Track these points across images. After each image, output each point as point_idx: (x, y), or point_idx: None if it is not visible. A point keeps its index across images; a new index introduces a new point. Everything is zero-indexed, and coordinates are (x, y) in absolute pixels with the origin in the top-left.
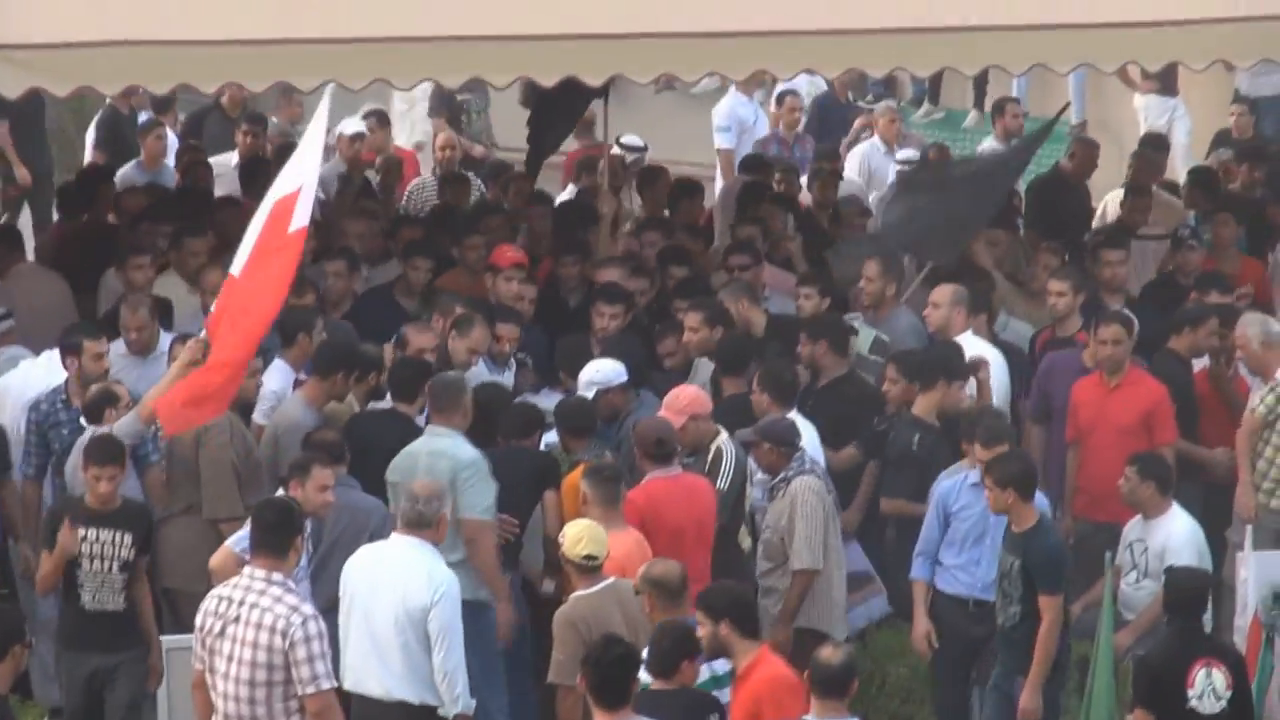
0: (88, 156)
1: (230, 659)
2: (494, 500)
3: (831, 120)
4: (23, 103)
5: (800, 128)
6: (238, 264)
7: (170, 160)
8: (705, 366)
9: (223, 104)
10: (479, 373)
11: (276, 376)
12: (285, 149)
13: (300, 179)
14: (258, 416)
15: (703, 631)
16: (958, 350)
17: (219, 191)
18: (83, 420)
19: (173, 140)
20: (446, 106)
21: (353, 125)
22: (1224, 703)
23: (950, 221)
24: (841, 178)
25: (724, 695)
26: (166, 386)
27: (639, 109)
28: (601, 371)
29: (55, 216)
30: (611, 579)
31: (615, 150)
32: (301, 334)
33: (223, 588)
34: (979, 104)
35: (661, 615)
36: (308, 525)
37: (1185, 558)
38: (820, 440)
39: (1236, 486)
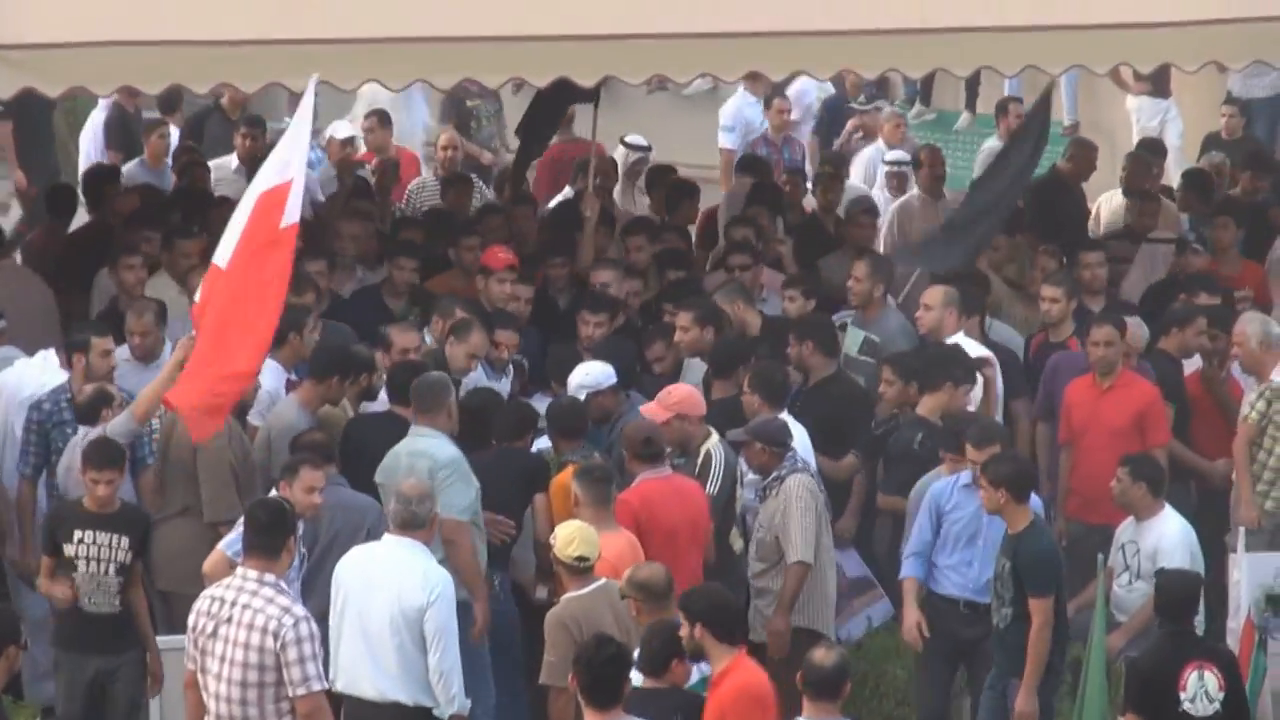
0: (83, 159)
1: (222, 659)
2: (473, 500)
3: (840, 122)
4: (29, 106)
5: (790, 130)
6: (223, 255)
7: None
8: (696, 369)
9: (223, 105)
10: (477, 378)
11: (269, 376)
12: None
13: (290, 171)
14: (252, 417)
15: (683, 633)
16: (963, 354)
17: (218, 194)
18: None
19: (176, 140)
20: (455, 112)
21: (344, 129)
22: (1217, 705)
23: (965, 227)
24: (843, 181)
25: None
26: (161, 386)
27: (630, 110)
28: (591, 375)
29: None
30: (603, 580)
31: (620, 149)
32: (292, 333)
33: (215, 588)
34: (971, 105)
35: (648, 618)
36: (300, 526)
37: (1177, 559)
38: (810, 442)
39: (1232, 491)
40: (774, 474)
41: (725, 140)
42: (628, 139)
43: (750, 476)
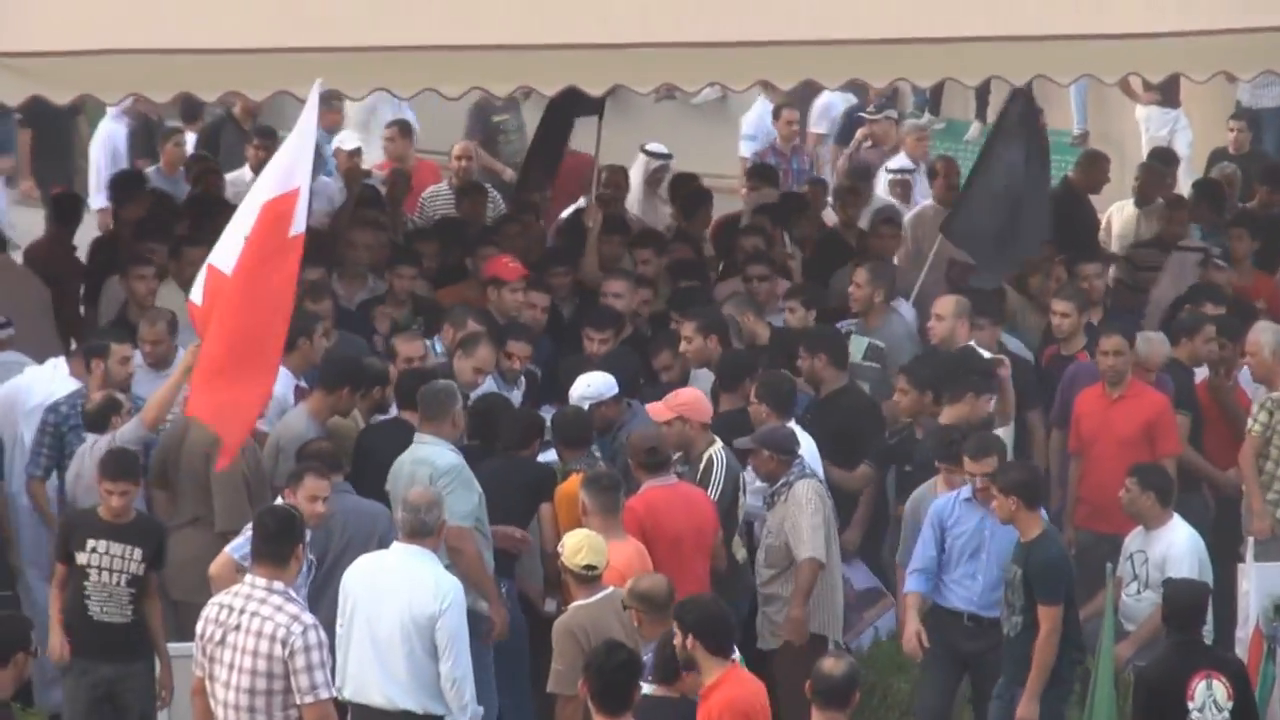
0: (93, 168)
1: (230, 667)
2: (475, 506)
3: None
4: (52, 115)
5: (799, 140)
6: (225, 259)
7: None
8: (704, 379)
9: (235, 115)
10: (487, 389)
11: (278, 382)
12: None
13: (295, 179)
14: (261, 423)
15: (675, 642)
16: (976, 358)
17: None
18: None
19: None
20: (482, 128)
21: (351, 139)
22: (1225, 714)
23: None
24: (861, 194)
25: None
26: (169, 392)
27: (639, 119)
28: (593, 386)
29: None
30: (610, 588)
31: (641, 158)
32: (303, 339)
33: (224, 595)
34: (981, 115)
35: (650, 628)
36: (308, 534)
37: (1185, 569)
38: (818, 451)
39: (1242, 501)
40: (782, 480)
41: (747, 149)
42: (649, 147)
43: (757, 485)
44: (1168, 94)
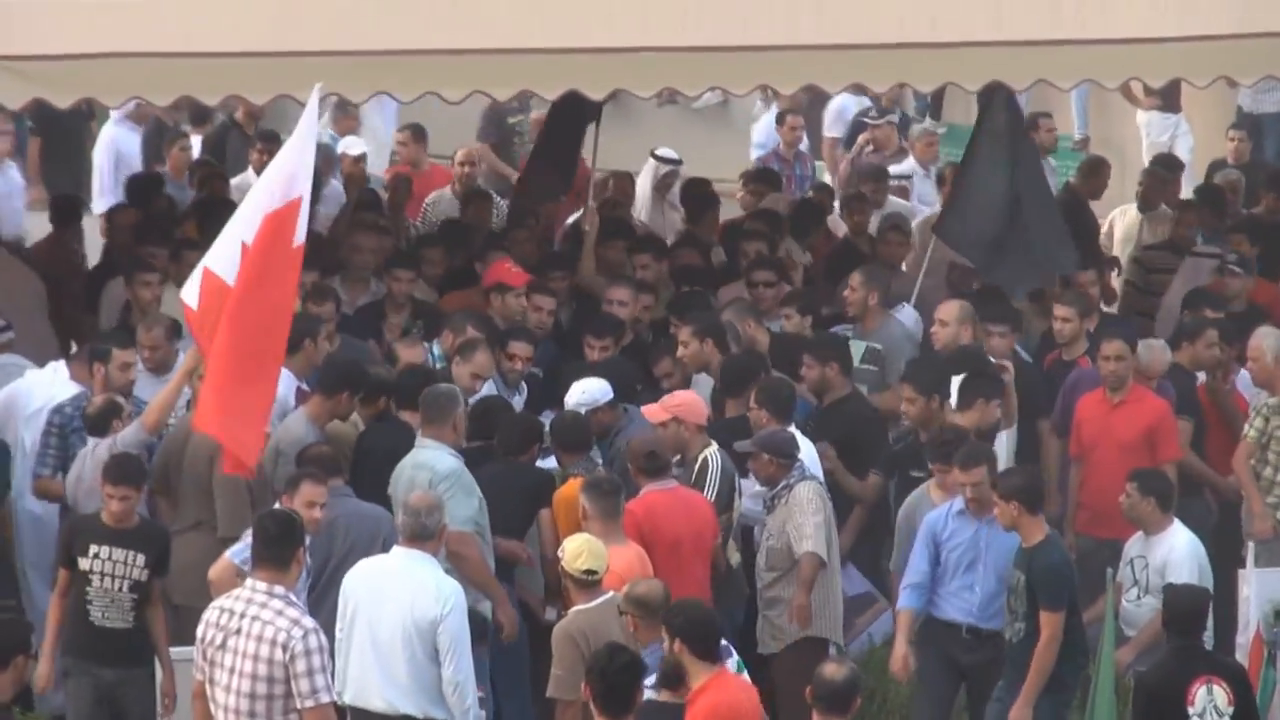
0: (96, 173)
1: (231, 671)
2: (476, 510)
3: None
4: (62, 120)
5: (801, 145)
6: (227, 268)
7: None
8: (704, 385)
9: (239, 121)
10: (489, 394)
11: (280, 383)
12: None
13: (297, 188)
14: None
15: (664, 646)
16: (981, 361)
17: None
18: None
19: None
20: (496, 131)
21: (356, 145)
22: (1226, 719)
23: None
24: (868, 201)
25: None
26: (170, 396)
27: (640, 123)
28: (588, 392)
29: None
30: (610, 593)
31: (650, 163)
32: (307, 340)
33: (224, 599)
34: None
35: (645, 634)
36: (308, 539)
37: (1185, 574)
38: (818, 456)
39: (1243, 505)
40: (782, 483)
41: (758, 159)
42: (658, 152)
43: (756, 489)
44: (1169, 99)
